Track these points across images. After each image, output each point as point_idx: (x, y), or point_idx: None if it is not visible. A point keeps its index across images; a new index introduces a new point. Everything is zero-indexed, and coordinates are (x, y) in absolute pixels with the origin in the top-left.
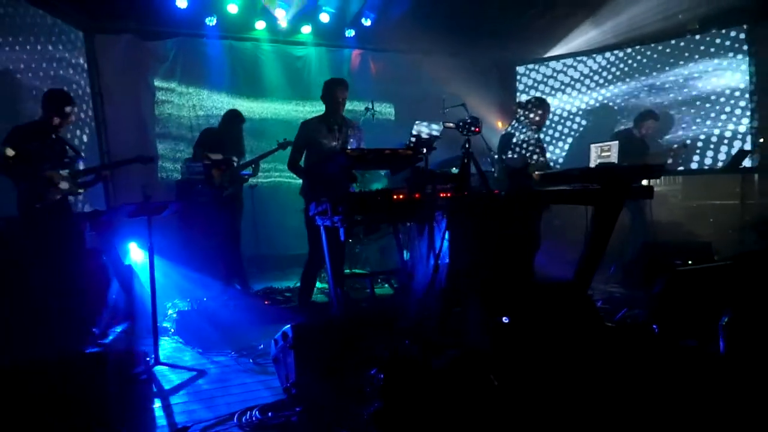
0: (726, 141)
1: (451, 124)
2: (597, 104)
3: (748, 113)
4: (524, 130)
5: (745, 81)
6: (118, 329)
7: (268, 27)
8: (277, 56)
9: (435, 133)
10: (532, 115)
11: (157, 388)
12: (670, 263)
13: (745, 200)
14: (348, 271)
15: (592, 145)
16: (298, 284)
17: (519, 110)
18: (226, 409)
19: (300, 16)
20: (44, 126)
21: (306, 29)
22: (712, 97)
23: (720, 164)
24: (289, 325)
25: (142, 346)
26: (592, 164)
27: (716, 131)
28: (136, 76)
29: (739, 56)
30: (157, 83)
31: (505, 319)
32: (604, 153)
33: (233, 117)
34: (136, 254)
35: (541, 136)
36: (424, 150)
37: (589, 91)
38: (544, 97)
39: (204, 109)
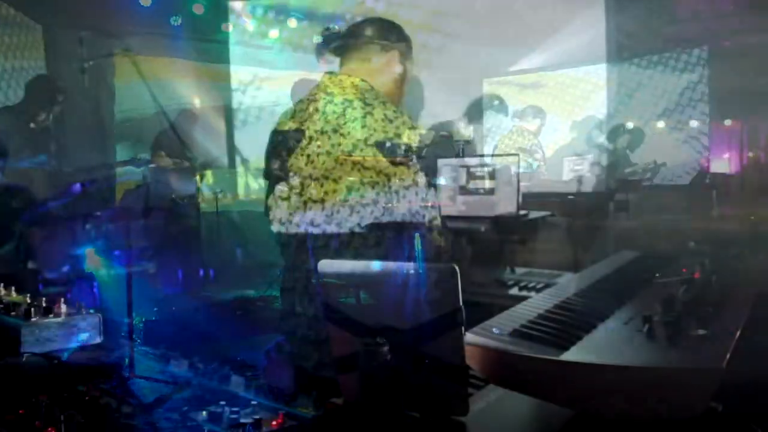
0: (687, 156)
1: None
2: (566, 119)
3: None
4: (518, 139)
5: (704, 99)
6: (80, 339)
7: (235, 29)
8: (244, 59)
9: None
10: (526, 125)
11: (138, 403)
12: (650, 277)
13: (696, 216)
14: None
15: (566, 159)
16: (269, 293)
17: (515, 119)
18: (223, 423)
19: (268, 20)
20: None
21: (274, 33)
22: (677, 114)
23: (682, 180)
24: (284, 336)
25: (109, 359)
26: (566, 177)
27: (679, 147)
28: (96, 76)
29: (702, 75)
30: (117, 83)
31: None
32: (576, 167)
33: (191, 118)
34: (93, 261)
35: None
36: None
37: (558, 107)
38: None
39: (167, 111)
